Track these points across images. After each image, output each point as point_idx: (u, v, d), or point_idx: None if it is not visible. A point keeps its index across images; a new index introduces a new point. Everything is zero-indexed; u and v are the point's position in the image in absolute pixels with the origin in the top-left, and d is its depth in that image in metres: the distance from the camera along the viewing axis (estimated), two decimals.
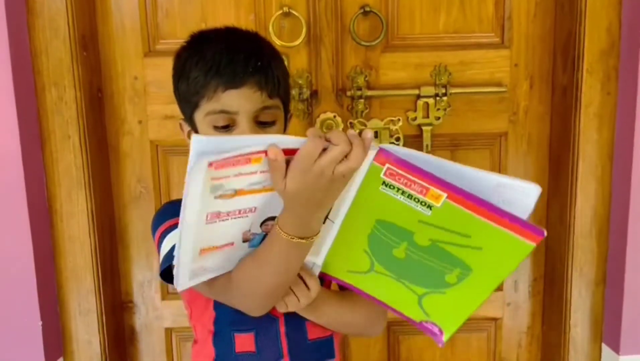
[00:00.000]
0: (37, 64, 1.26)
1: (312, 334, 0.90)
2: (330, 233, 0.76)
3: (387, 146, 0.67)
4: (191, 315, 0.93)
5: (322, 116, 1.36)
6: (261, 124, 0.80)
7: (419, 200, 0.67)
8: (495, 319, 1.50)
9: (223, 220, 0.69)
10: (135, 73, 1.36)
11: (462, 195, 0.66)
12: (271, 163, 0.65)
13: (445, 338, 0.78)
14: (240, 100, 0.78)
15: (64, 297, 1.36)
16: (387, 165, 0.67)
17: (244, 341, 0.87)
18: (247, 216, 0.71)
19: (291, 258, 0.73)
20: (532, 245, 0.65)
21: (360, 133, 0.65)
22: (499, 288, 1.48)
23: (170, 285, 1.06)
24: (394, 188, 0.68)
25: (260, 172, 0.66)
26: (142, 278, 1.46)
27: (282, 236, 0.70)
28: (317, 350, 0.90)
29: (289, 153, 0.65)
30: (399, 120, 1.37)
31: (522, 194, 0.66)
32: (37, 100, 1.27)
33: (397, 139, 1.37)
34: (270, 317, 0.85)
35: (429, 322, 0.78)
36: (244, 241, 0.75)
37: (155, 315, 1.47)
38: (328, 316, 0.87)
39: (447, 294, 0.74)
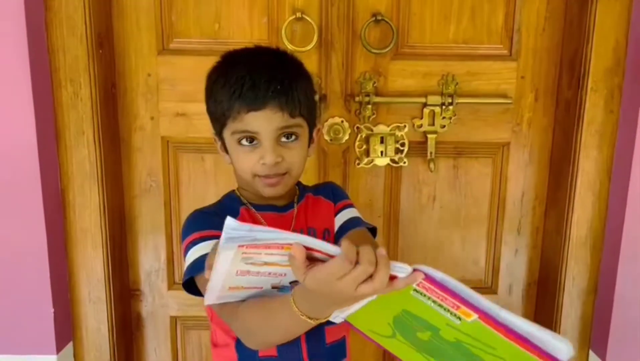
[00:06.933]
0: (54, 61, 1.29)
1: (330, 338, 0.95)
2: (355, 307, 0.75)
3: (421, 267, 0.65)
4: (212, 317, 0.96)
5: (330, 121, 1.39)
6: (284, 141, 0.87)
7: (449, 311, 0.67)
8: None
9: (252, 276, 0.70)
10: (148, 70, 1.39)
11: (492, 321, 0.66)
12: (290, 259, 0.64)
13: None
14: (262, 121, 0.84)
15: (75, 286, 1.41)
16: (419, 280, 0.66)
17: None
18: (276, 277, 0.72)
19: (297, 327, 0.74)
20: None
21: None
22: (494, 292, 1.53)
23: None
24: (425, 296, 0.67)
25: None
26: (150, 267, 1.51)
27: (293, 308, 0.70)
28: (333, 352, 0.96)
29: (318, 251, 0.64)
30: (404, 126, 1.40)
31: (552, 347, 0.64)
32: (54, 96, 1.30)
33: (402, 145, 1.41)
34: None
35: None
36: (273, 288, 0.76)
37: (161, 303, 1.53)
38: None
39: None
